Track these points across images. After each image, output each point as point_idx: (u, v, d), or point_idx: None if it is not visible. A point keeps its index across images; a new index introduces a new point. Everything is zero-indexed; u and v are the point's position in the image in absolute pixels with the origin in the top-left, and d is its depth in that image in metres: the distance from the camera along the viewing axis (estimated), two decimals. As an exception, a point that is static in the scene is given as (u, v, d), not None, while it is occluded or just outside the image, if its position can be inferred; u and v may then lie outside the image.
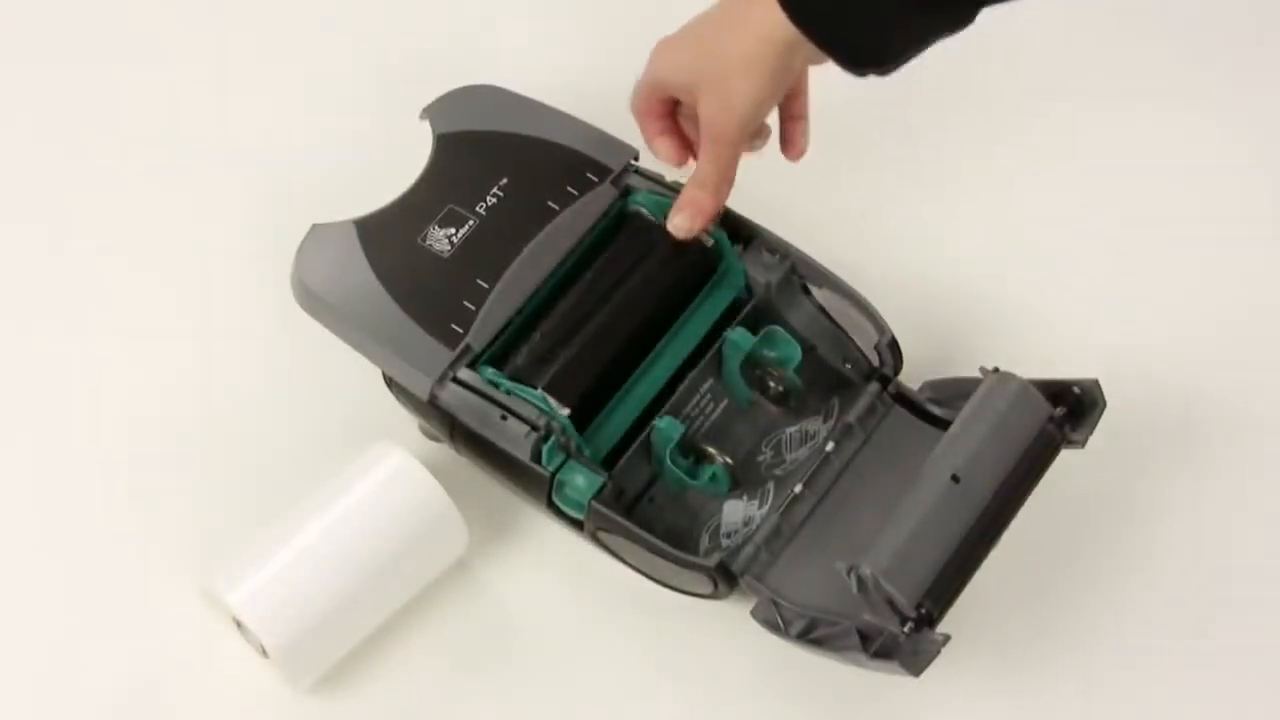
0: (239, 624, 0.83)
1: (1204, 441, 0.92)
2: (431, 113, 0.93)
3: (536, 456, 0.83)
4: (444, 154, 0.92)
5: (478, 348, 0.84)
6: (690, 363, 0.88)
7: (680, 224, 0.87)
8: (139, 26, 1.10)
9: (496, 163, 0.89)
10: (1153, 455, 0.92)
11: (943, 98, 1.05)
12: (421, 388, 0.84)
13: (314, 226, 0.88)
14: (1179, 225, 1.00)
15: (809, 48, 0.82)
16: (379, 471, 0.85)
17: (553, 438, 0.83)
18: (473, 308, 0.85)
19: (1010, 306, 0.97)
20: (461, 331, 0.84)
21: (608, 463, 0.84)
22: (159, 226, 1.01)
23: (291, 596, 0.82)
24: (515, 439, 0.83)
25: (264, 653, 0.83)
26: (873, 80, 0.82)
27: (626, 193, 0.90)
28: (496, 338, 0.85)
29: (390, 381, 0.88)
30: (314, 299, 0.87)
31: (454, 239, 0.87)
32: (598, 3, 1.08)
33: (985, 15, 0.79)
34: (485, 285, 0.86)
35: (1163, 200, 1.01)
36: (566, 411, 0.83)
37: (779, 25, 0.81)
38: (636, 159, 0.90)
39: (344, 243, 0.88)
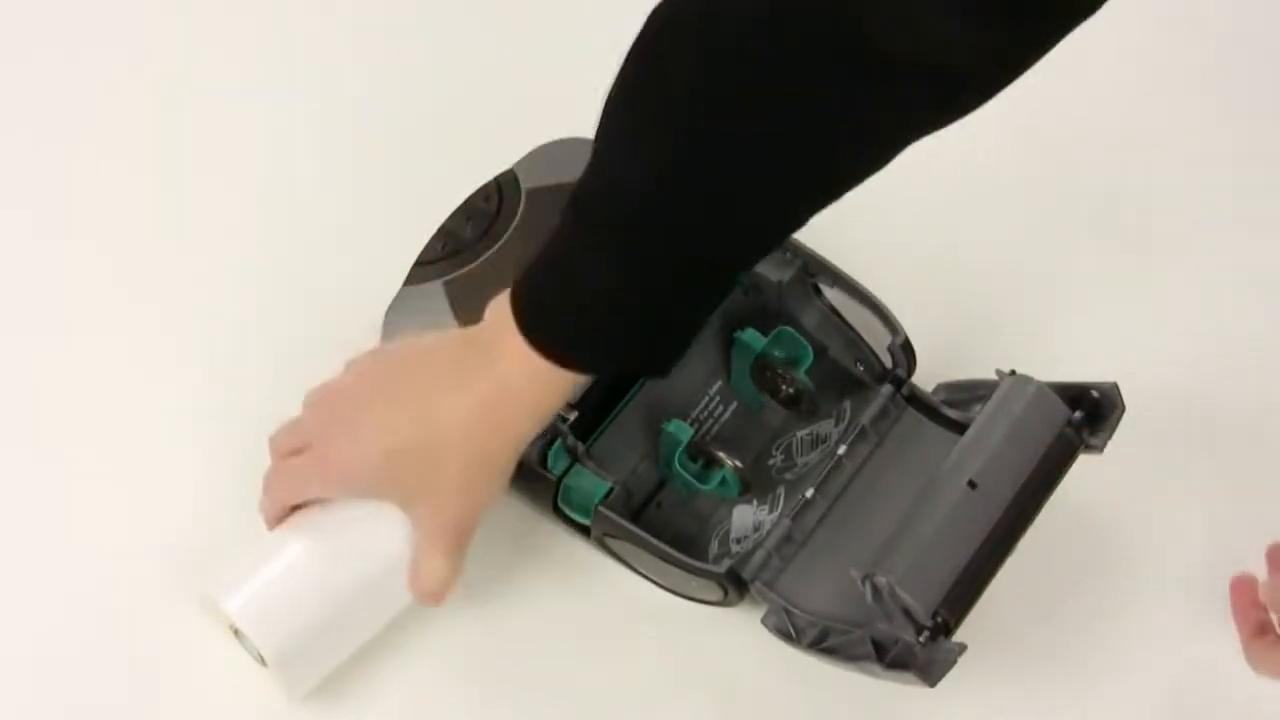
0: (236, 631, 0.82)
1: (1224, 447, 0.92)
2: (522, 168, 0.91)
3: (542, 460, 0.82)
4: (535, 210, 0.90)
5: (573, 400, 0.82)
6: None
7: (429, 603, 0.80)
8: (170, 31, 1.07)
9: None
10: (1172, 461, 0.91)
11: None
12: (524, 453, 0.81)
13: (402, 290, 0.87)
14: (1199, 230, 0.99)
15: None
16: (380, 475, 0.83)
17: (559, 441, 0.81)
18: None
19: (1026, 307, 0.96)
20: None
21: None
22: (164, 231, 0.99)
23: (290, 603, 0.80)
24: (520, 442, 0.81)
25: (262, 661, 0.81)
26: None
27: None
28: (589, 392, 0.82)
29: (392, 383, 0.86)
30: None
31: None
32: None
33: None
34: None
35: (1180, 204, 1.00)
36: (573, 415, 0.81)
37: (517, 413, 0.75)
38: None
39: (432, 305, 0.86)
